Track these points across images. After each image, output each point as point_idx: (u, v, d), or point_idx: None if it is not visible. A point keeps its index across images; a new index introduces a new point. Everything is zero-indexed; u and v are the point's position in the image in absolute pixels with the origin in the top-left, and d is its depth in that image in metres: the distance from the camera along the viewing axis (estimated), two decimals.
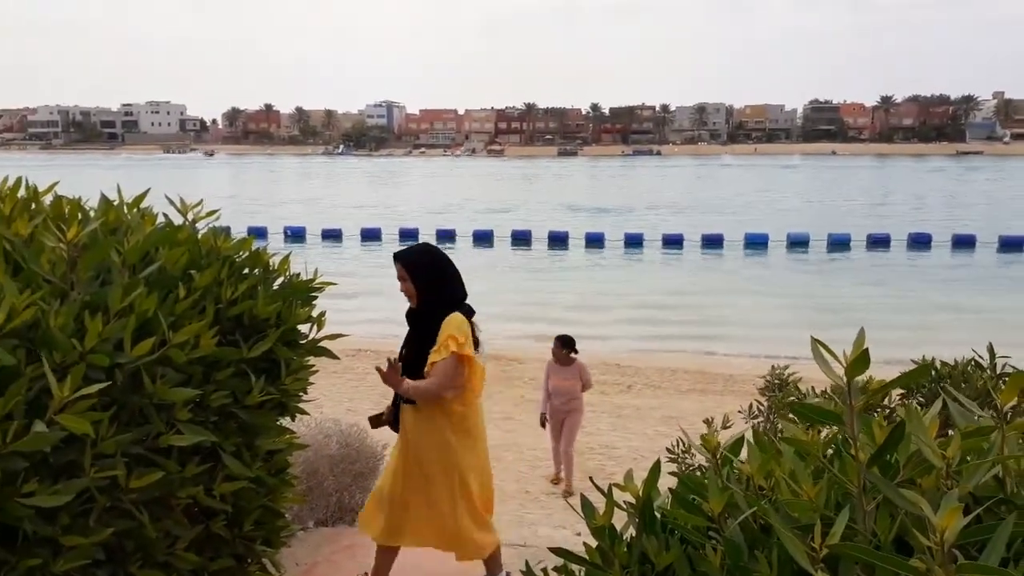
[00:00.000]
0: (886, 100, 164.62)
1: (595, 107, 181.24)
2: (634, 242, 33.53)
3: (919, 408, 1.15)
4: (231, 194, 58.73)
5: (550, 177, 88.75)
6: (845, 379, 1.00)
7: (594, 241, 33.94)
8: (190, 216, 2.65)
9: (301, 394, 2.74)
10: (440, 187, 72.59)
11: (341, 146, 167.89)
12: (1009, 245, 31.05)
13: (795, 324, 19.62)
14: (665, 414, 11.35)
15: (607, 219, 41.88)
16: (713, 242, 32.91)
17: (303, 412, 2.85)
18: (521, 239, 34.78)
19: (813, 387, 3.53)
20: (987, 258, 30.25)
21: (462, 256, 31.96)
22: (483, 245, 34.40)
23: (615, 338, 18.32)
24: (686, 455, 3.74)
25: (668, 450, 4.05)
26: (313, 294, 2.74)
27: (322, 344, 2.77)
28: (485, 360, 3.83)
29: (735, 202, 52.87)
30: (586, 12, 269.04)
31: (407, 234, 35.88)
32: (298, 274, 2.77)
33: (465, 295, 3.77)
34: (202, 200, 2.71)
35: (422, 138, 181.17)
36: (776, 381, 4.11)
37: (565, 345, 8.08)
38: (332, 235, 35.93)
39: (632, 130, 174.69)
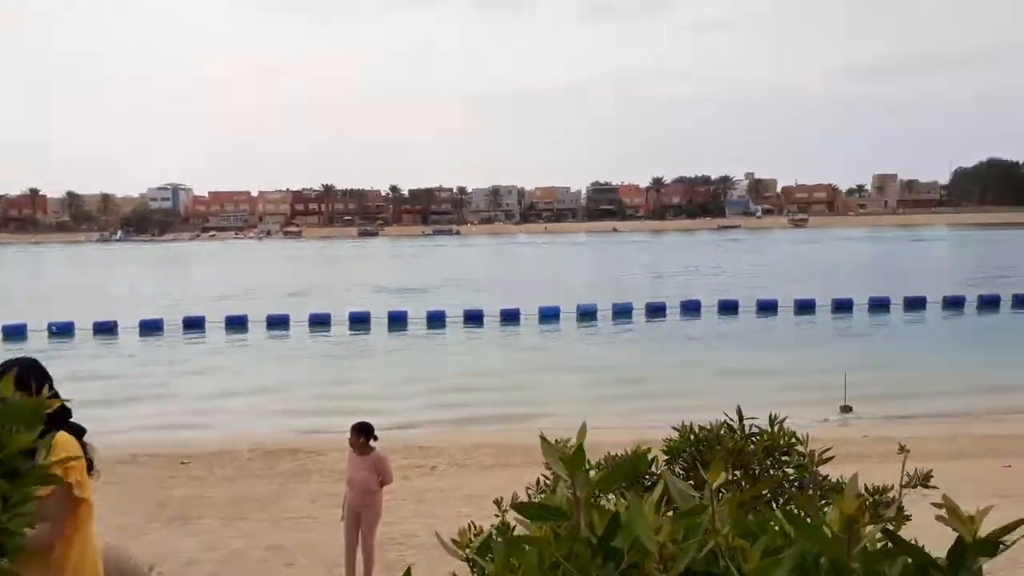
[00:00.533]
0: (657, 181, 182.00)
1: (395, 188, 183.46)
2: (436, 319, 33.79)
3: (676, 478, 1.19)
4: None
5: (351, 258, 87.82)
6: (567, 473, 1.02)
7: (397, 320, 33.77)
8: None
9: (26, 530, 2.36)
10: (231, 271, 69.14)
11: (119, 231, 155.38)
12: (766, 308, 35.01)
13: (590, 393, 20.60)
14: (468, 493, 11.27)
15: (410, 298, 41.96)
16: (510, 316, 34.02)
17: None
18: (319, 323, 33.79)
19: (599, 461, 3.64)
20: (750, 322, 33.79)
21: (255, 344, 30.49)
22: (279, 330, 33.01)
23: (419, 420, 18.13)
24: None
25: (455, 541, 3.95)
26: (42, 414, 2.40)
27: (54, 470, 2.42)
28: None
29: (530, 277, 55.28)
30: (380, 95, 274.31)
31: (192, 323, 33.65)
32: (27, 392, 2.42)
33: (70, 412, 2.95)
34: None
35: (212, 221, 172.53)
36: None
37: (361, 433, 7.79)
38: (105, 328, 32.74)
39: (432, 211, 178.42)
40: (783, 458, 3.20)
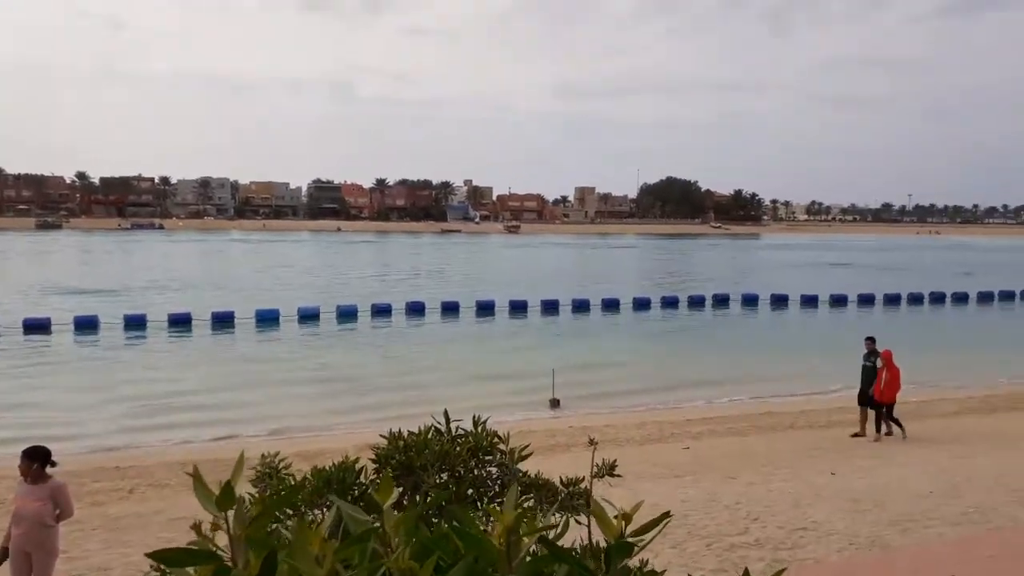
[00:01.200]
0: (381, 183, 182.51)
1: (82, 175, 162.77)
2: (136, 323, 30.52)
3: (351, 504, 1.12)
4: None
5: (27, 253, 76.04)
6: (218, 513, 0.90)
7: (86, 326, 29.92)
8: None
9: None
10: None
11: None
12: (484, 308, 36.72)
13: (315, 401, 19.97)
14: (172, 516, 10.30)
15: (103, 301, 37.40)
16: (223, 320, 31.82)
17: None
18: None
19: (306, 475, 3.45)
20: (468, 320, 35.17)
21: None
22: None
23: (114, 438, 16.20)
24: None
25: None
26: None
27: None
28: None
29: (248, 278, 52.27)
30: (61, 75, 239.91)
31: None
32: None
33: None
34: None
35: None
36: (267, 471, 3.96)
37: (34, 459, 6.72)
38: None
39: (129, 202, 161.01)
40: (487, 458, 3.30)
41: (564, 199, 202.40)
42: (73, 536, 8.53)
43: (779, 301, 41.41)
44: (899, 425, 14.42)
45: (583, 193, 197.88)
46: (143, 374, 22.89)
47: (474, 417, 3.37)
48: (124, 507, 11.51)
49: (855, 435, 14.59)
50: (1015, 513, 9.49)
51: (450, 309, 36.64)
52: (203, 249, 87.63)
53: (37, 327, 29.40)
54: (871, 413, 14.50)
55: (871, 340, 14.79)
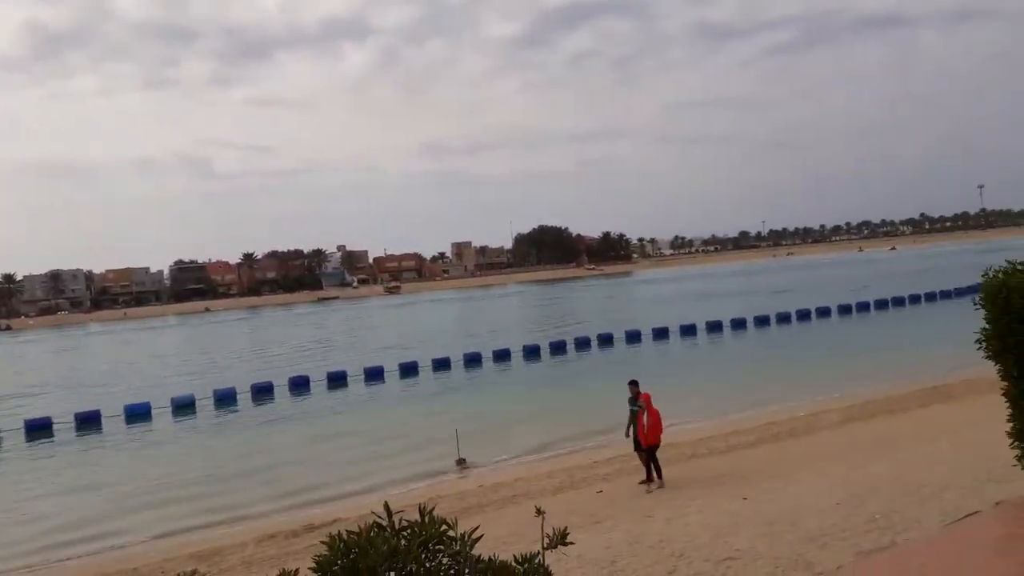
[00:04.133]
0: (248, 257, 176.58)
1: None
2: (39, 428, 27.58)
3: None
4: None
5: None
6: None
7: None
8: None
9: None
10: None
11: None
12: (373, 375, 35.70)
13: (196, 496, 18.51)
14: None
15: None
16: (89, 420, 29.24)
17: None
18: None
19: None
20: (357, 389, 34.06)
21: None
22: None
23: None
24: None
25: None
26: None
27: None
28: None
29: (108, 373, 48.61)
30: None
31: None
32: None
33: None
34: None
35: None
36: None
37: None
38: None
39: None
40: (438, 547, 3.00)
41: (442, 255, 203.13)
42: None
43: (660, 334, 42.80)
44: (658, 471, 13.83)
45: (460, 248, 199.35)
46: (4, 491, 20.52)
47: (420, 507, 3.06)
48: None
49: (642, 482, 13.99)
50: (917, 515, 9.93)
51: (337, 378, 35.42)
52: (58, 347, 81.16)
53: None
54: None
55: (634, 384, 14.06)
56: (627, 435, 13.93)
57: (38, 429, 28.27)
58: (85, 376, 48.06)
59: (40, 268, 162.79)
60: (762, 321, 45.15)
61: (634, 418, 13.83)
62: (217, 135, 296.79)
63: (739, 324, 44.57)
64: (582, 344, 41.17)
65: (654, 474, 13.82)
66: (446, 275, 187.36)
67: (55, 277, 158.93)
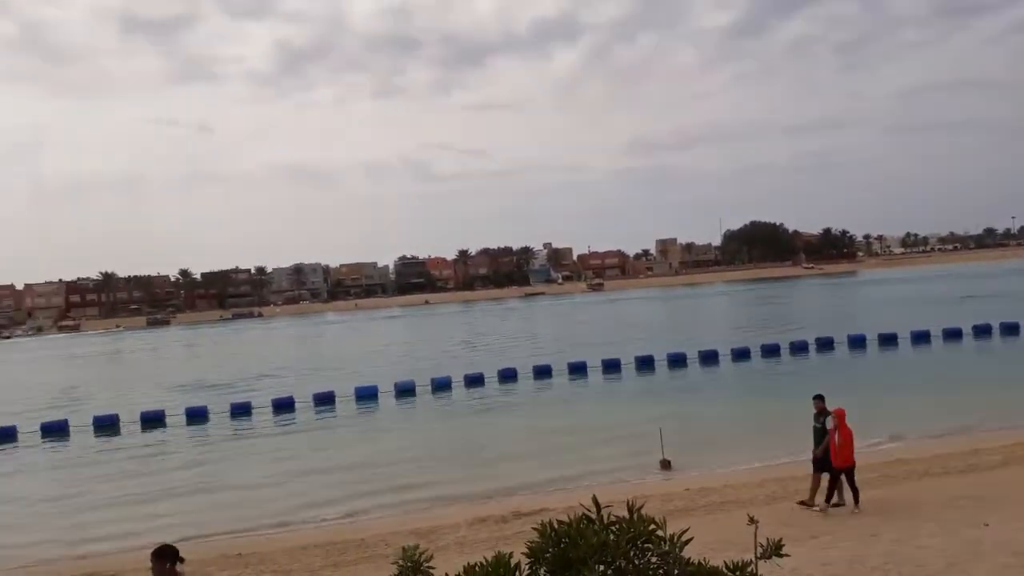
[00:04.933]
0: (463, 254, 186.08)
1: (185, 273, 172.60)
2: (241, 412, 31.51)
3: None
4: None
5: (139, 352, 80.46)
6: None
7: (197, 416, 31.09)
8: None
9: None
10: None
11: None
12: (576, 369, 36.19)
13: (418, 471, 19.88)
14: None
15: (212, 395, 38.85)
16: (325, 400, 32.52)
17: None
18: (106, 425, 30.30)
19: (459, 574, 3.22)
20: (561, 383, 34.69)
21: (27, 455, 26.58)
22: (55, 439, 29.12)
23: (226, 525, 16.45)
24: None
25: None
26: None
27: None
28: None
29: (343, 357, 53.53)
30: (161, 177, 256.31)
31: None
32: None
33: None
34: None
35: None
36: (408, 564, 3.76)
37: (164, 557, 6.75)
38: None
39: (229, 294, 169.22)
40: (646, 545, 3.02)
41: (646, 253, 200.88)
42: None
43: (888, 341, 39.24)
44: (855, 495, 12.61)
45: (665, 245, 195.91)
46: (247, 461, 23.39)
47: (628, 503, 3.10)
48: None
49: (802, 503, 12.91)
50: None
51: (543, 372, 36.32)
52: (301, 334, 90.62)
53: (153, 419, 30.76)
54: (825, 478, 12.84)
55: (819, 399, 13.09)
56: (817, 455, 12.87)
57: (285, 407, 31.91)
58: (323, 359, 53.31)
59: (286, 262, 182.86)
60: (1010, 329, 39.83)
61: (820, 436, 12.81)
62: (437, 139, 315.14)
63: (983, 331, 39.68)
64: (798, 348, 38.83)
65: (838, 497, 12.73)
66: (650, 273, 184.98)
67: (298, 270, 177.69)
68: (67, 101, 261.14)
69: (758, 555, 3.39)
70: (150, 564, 6.82)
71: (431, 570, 3.37)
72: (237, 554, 13.64)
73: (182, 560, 6.90)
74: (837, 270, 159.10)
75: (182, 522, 16.56)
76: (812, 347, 39.08)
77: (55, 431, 29.84)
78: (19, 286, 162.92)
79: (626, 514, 3.13)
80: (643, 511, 3.20)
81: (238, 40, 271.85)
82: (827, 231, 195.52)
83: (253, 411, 31.64)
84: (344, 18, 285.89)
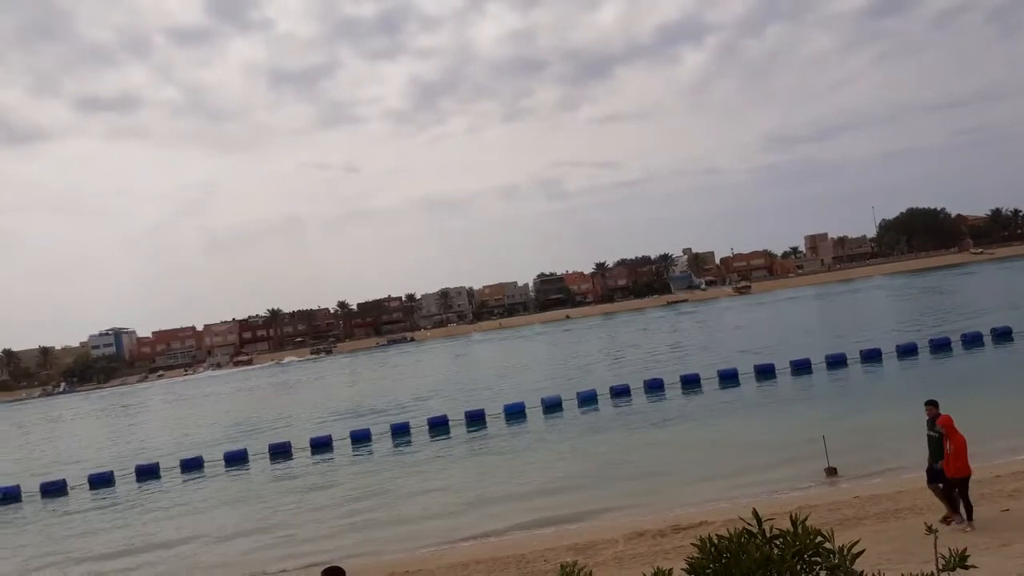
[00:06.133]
0: (600, 266, 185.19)
1: (343, 304, 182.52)
2: (400, 431, 32.96)
3: None
4: None
5: (307, 381, 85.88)
6: None
7: (360, 439, 32.81)
8: None
9: None
10: (180, 413, 66.88)
11: (62, 384, 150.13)
12: (727, 377, 35.08)
13: (573, 489, 19.95)
14: None
15: (374, 419, 40.88)
16: (475, 418, 33.38)
17: None
18: (280, 453, 32.58)
19: None
20: (712, 393, 33.72)
21: (215, 483, 29.02)
22: (237, 467, 31.61)
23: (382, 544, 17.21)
24: None
25: None
26: None
27: None
28: None
29: (485, 379, 54.71)
30: (309, 222, 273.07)
31: (145, 471, 32.19)
32: None
33: None
34: None
35: (159, 360, 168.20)
36: None
37: None
38: (54, 489, 30.98)
39: (383, 321, 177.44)
40: (814, 559, 2.94)
41: (794, 250, 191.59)
42: None
43: None
44: (968, 510, 11.41)
45: (814, 241, 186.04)
46: (414, 480, 24.36)
47: (791, 515, 3.03)
48: None
49: (944, 520, 11.56)
50: None
51: (690, 381, 35.49)
52: (452, 354, 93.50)
53: (321, 445, 32.77)
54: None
55: (931, 404, 12.12)
56: (933, 466, 11.77)
57: (439, 425, 33.05)
58: (475, 378, 54.72)
59: (432, 288, 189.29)
60: None
61: (934, 445, 11.74)
62: (566, 156, 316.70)
63: None
64: (971, 340, 35.71)
65: (962, 512, 11.55)
66: (800, 271, 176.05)
67: (444, 295, 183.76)
68: (230, 155, 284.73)
69: (939, 566, 3.21)
70: None
71: None
72: (405, 572, 14.24)
73: None
74: (1011, 253, 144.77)
75: (352, 541, 17.49)
76: (987, 339, 35.82)
77: (237, 460, 32.42)
78: (199, 327, 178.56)
79: (789, 526, 3.06)
80: (809, 522, 3.11)
81: (375, 81, 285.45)
82: (996, 212, 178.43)
83: (411, 430, 32.99)
84: (471, 47, 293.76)
